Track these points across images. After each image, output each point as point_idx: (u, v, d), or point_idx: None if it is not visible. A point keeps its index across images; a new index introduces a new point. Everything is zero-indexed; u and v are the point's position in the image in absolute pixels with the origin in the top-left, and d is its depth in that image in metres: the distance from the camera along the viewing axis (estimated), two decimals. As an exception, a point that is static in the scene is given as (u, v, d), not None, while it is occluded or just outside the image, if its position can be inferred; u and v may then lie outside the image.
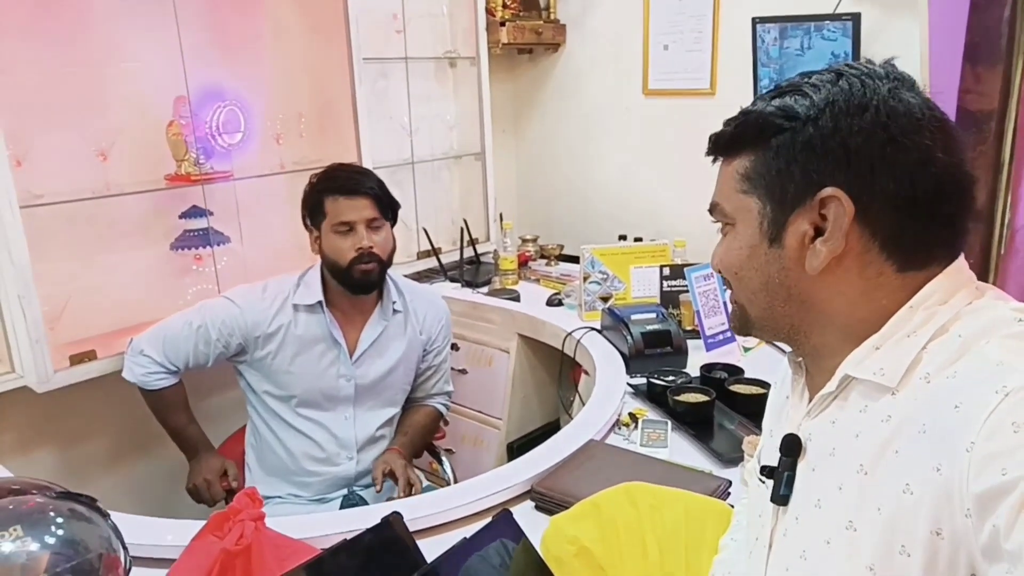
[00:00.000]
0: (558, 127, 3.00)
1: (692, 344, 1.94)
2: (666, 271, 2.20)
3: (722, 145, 0.76)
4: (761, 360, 1.88)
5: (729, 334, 1.98)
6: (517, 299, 2.43)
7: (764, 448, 0.87)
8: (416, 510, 1.27)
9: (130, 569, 0.96)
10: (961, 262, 0.69)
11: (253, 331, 1.72)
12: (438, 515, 1.29)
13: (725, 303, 1.99)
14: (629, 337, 1.89)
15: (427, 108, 2.68)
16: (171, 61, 1.91)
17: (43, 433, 1.95)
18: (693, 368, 1.84)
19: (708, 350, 1.94)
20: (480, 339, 2.41)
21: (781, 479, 0.74)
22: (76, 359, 1.80)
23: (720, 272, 0.78)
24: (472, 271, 2.64)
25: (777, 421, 0.85)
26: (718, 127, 0.76)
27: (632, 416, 1.63)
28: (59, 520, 0.89)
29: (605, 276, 2.22)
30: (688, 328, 2.06)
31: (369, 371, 1.80)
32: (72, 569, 0.86)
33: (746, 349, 1.97)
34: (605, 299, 2.20)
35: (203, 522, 1.07)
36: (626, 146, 2.81)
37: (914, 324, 0.66)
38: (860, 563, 0.64)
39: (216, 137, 2.07)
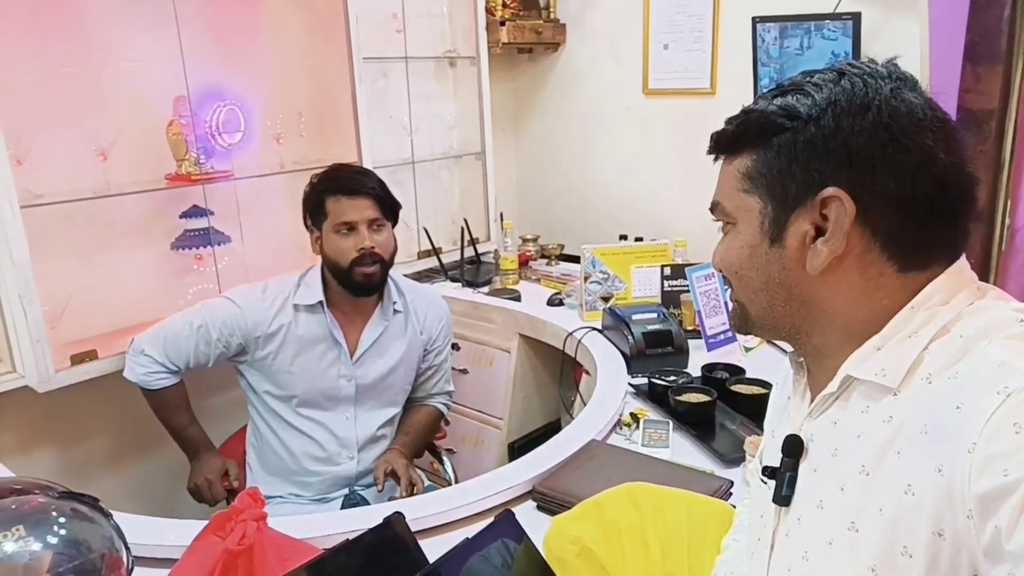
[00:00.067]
0: (558, 127, 3.00)
1: (693, 344, 1.94)
2: (667, 271, 2.20)
3: (723, 144, 0.76)
4: (762, 360, 1.88)
5: (730, 334, 1.98)
6: (518, 299, 2.43)
7: (766, 449, 0.87)
8: (418, 510, 1.27)
9: (132, 569, 0.96)
10: (963, 262, 0.69)
11: (253, 331, 1.72)
12: (440, 515, 1.29)
13: (726, 303, 1.99)
14: (630, 337, 1.89)
15: (427, 108, 2.68)
16: (171, 61, 1.91)
17: (44, 433, 1.95)
18: (694, 368, 1.84)
19: (709, 350, 1.94)
20: (481, 339, 2.41)
21: (783, 480, 0.75)
22: (77, 359, 1.80)
23: (721, 271, 0.79)
24: (473, 271, 2.64)
25: (779, 422, 0.85)
26: (719, 126, 0.76)
27: (633, 416, 1.63)
28: (62, 520, 0.90)
29: (606, 276, 2.22)
30: (689, 328, 2.06)
31: (370, 371, 1.80)
32: (75, 569, 0.86)
33: (747, 349, 1.97)
34: (606, 299, 2.20)
35: (205, 522, 1.07)
36: (626, 145, 2.81)
37: (915, 324, 0.66)
38: (862, 564, 0.64)
39: (216, 137, 2.07)
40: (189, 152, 1.99)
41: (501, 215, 2.80)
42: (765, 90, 0.76)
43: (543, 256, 2.86)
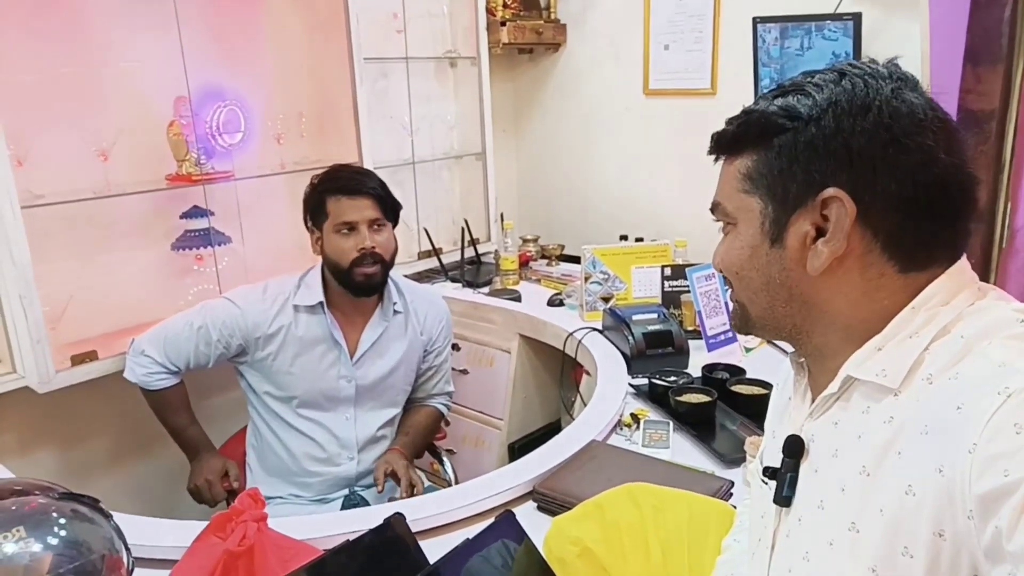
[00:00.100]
0: (559, 127, 3.00)
1: (693, 344, 1.94)
2: (667, 271, 2.20)
3: (724, 144, 0.76)
4: (763, 360, 1.88)
5: (731, 334, 1.98)
6: (518, 299, 2.43)
7: (767, 449, 0.87)
8: (418, 511, 1.27)
9: (133, 570, 0.96)
10: (963, 263, 0.69)
11: (253, 332, 1.72)
12: (440, 516, 1.29)
13: (726, 303, 1.98)
14: (630, 337, 1.89)
15: (428, 108, 2.68)
16: (172, 61, 1.91)
17: (44, 434, 1.95)
18: (695, 368, 1.84)
19: (710, 350, 1.93)
20: (481, 339, 2.41)
21: (784, 480, 0.75)
22: (77, 359, 1.80)
23: (721, 272, 0.78)
24: (473, 271, 2.64)
25: (780, 422, 0.85)
26: (719, 127, 0.76)
27: (634, 416, 1.63)
28: (62, 521, 0.89)
29: (606, 276, 2.22)
30: (689, 328, 2.06)
31: (370, 372, 1.80)
32: (75, 570, 0.86)
33: (748, 349, 1.97)
34: (606, 299, 2.20)
35: (205, 523, 1.07)
36: (627, 146, 2.81)
37: (916, 325, 0.66)
38: (863, 564, 0.64)
39: (217, 137, 2.07)
40: (189, 152, 1.99)
41: (501, 215, 2.80)
42: (766, 90, 0.76)
43: (543, 256, 2.86)
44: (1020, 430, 0.55)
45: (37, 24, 1.79)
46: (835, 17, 2.12)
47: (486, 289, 2.53)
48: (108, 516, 0.96)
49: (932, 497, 0.59)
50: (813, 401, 0.75)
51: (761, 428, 1.36)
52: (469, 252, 2.67)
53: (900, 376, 0.65)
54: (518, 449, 2.32)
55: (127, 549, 0.95)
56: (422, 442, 1.94)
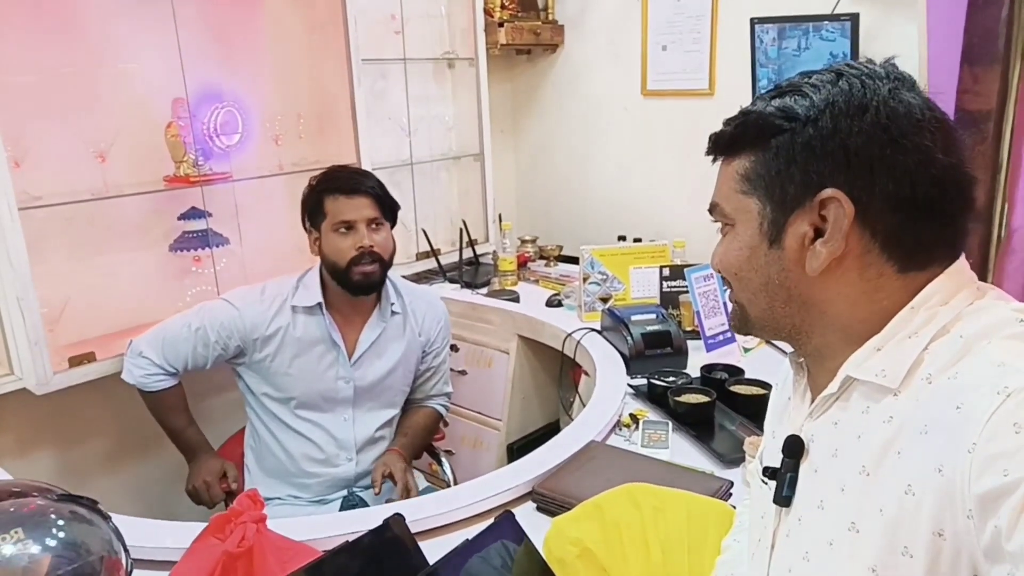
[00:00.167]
0: (557, 128, 3.00)
1: (692, 345, 1.94)
2: (666, 272, 2.20)
3: (722, 145, 0.76)
4: (761, 361, 1.88)
5: (729, 335, 1.98)
6: (516, 300, 2.43)
7: (766, 449, 0.87)
8: (417, 511, 1.27)
9: (131, 571, 0.96)
10: (962, 262, 0.69)
11: (251, 333, 1.72)
12: (439, 516, 1.29)
13: (725, 303, 1.99)
14: (629, 338, 1.89)
15: (426, 109, 2.68)
16: (169, 62, 1.91)
17: (42, 435, 1.95)
18: (693, 369, 1.84)
19: (708, 351, 1.94)
20: (480, 340, 2.41)
21: (784, 480, 0.75)
22: (75, 361, 1.80)
23: (720, 272, 0.79)
24: (471, 272, 2.64)
25: (779, 422, 0.85)
26: (717, 127, 0.76)
27: (633, 417, 1.63)
28: (60, 523, 0.89)
29: (605, 277, 2.22)
30: (688, 329, 2.06)
31: (368, 373, 1.80)
32: (74, 572, 0.86)
33: (746, 350, 1.97)
34: (605, 300, 2.20)
35: (204, 524, 1.07)
36: (625, 147, 2.81)
37: (915, 325, 0.67)
38: (863, 564, 0.64)
39: (214, 138, 2.07)
40: (187, 154, 1.99)
41: (500, 216, 2.80)
42: (763, 91, 0.76)
43: (542, 257, 2.86)
44: (1019, 430, 0.55)
45: (35, 25, 1.79)
46: (833, 18, 2.12)
47: (484, 290, 2.53)
48: (107, 517, 0.96)
49: (932, 497, 0.59)
50: (813, 401, 0.75)
51: (760, 428, 1.37)
52: (467, 253, 2.67)
53: (899, 376, 0.65)
54: (517, 450, 2.32)
55: (126, 550, 0.95)
56: (421, 443, 1.94)
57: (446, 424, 2.24)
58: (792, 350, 0.79)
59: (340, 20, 2.21)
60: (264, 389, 1.77)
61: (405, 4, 2.51)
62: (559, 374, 2.29)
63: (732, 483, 1.33)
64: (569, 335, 2.08)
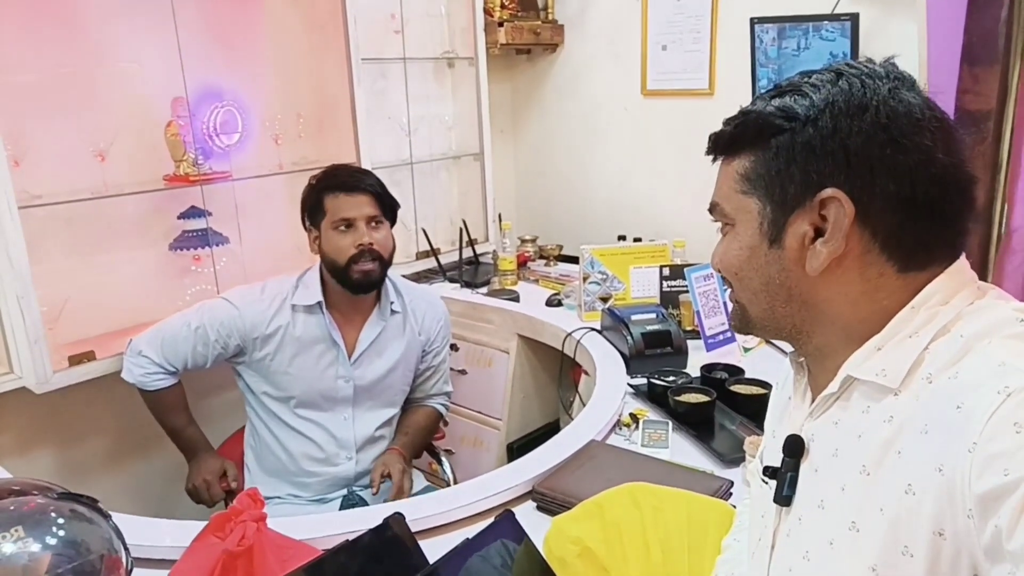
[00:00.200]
0: (557, 127, 3.00)
1: (692, 344, 1.94)
2: (666, 271, 2.20)
3: (722, 145, 0.76)
4: (761, 360, 1.89)
5: (729, 334, 1.98)
6: (516, 299, 2.43)
7: (767, 449, 0.87)
8: (418, 510, 1.27)
9: (131, 570, 0.96)
10: (962, 262, 0.69)
11: (251, 332, 1.72)
12: (439, 516, 1.29)
13: (725, 303, 1.99)
14: (629, 337, 1.89)
15: (425, 108, 2.68)
16: (169, 61, 1.91)
17: (42, 434, 1.95)
18: (693, 368, 1.84)
19: (708, 350, 1.94)
20: (480, 340, 2.41)
21: (784, 480, 0.75)
22: (75, 360, 1.80)
23: (720, 272, 0.78)
24: (471, 272, 2.64)
25: (779, 422, 0.85)
26: (717, 127, 0.76)
27: (633, 416, 1.63)
28: (60, 521, 0.89)
29: (604, 276, 2.22)
30: (688, 328, 2.06)
31: (367, 372, 1.80)
32: (74, 570, 0.86)
33: (746, 349, 1.97)
34: (605, 299, 2.20)
35: (204, 523, 1.07)
36: (625, 146, 2.81)
37: (916, 324, 0.67)
38: (863, 564, 0.64)
39: (214, 137, 2.07)
40: (187, 153, 1.99)
41: (499, 216, 2.80)
42: (763, 91, 0.76)
43: (542, 257, 2.86)
44: (1020, 429, 0.55)
45: (34, 24, 1.79)
46: (833, 17, 2.12)
47: (484, 289, 2.53)
48: (107, 516, 0.96)
49: (932, 496, 0.59)
50: (813, 401, 0.75)
51: (760, 428, 1.37)
52: (467, 252, 2.67)
53: (900, 376, 0.65)
54: (517, 449, 2.32)
55: (126, 549, 0.95)
56: (421, 442, 1.94)
57: (446, 423, 2.24)
58: (792, 350, 0.79)
59: (340, 19, 2.21)
60: (264, 388, 1.77)
61: (405, 4, 2.51)
62: (559, 373, 2.29)
63: (732, 483, 1.33)
64: (569, 335, 2.08)
